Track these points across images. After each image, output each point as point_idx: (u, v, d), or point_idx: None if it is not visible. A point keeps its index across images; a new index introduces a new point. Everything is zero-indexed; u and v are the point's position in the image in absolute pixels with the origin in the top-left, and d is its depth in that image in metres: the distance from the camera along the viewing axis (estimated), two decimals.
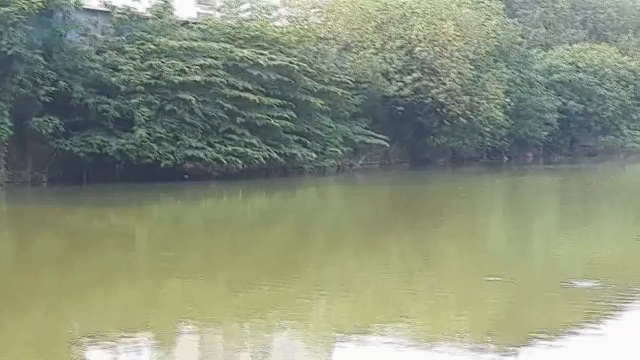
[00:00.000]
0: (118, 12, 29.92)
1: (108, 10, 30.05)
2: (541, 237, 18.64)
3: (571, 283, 11.48)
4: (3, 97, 24.87)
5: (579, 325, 8.78)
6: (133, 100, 26.36)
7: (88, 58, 26.75)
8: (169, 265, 13.46)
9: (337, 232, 19.04)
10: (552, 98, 42.56)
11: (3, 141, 25.35)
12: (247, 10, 36.13)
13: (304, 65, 30.33)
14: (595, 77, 45.64)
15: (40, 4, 24.68)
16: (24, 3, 24.47)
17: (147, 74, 26.77)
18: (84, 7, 29.20)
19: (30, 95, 25.02)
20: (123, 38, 28.68)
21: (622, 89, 46.91)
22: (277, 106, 29.00)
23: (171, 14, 31.43)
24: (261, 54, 29.09)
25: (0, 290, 11.36)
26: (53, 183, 26.36)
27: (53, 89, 25.29)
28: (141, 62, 27.16)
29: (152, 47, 27.83)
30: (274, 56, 29.32)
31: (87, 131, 26.19)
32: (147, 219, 20.41)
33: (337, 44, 34.35)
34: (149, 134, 26.18)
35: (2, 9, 24.16)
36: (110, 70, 26.83)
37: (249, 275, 12.52)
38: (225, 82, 27.71)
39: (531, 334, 8.43)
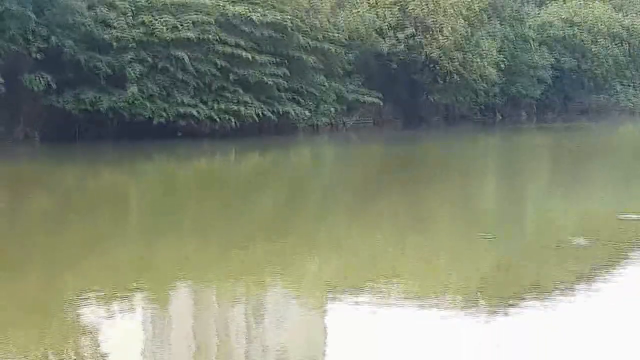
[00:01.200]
0: None
1: None
2: (534, 197, 18.50)
3: (563, 241, 11.46)
4: None
5: (569, 281, 8.86)
6: (125, 57, 26.40)
7: (79, 13, 26.59)
8: (162, 223, 13.42)
9: (331, 191, 18.97)
10: (546, 55, 42.66)
11: None
12: None
13: (297, 21, 30.36)
14: (589, 34, 45.82)
15: None
16: None
17: (139, 31, 26.85)
18: None
19: (22, 52, 25.04)
20: None
21: (615, 46, 47.15)
22: (270, 63, 29.02)
23: None
24: (254, 10, 29.05)
25: None
26: (45, 141, 26.22)
27: (44, 45, 25.37)
28: (133, 18, 27.16)
29: (144, 3, 27.88)
30: (267, 12, 29.29)
31: (79, 88, 26.11)
32: (140, 177, 20.31)
33: (330, 0, 33.66)
34: (141, 91, 26.28)
35: None
36: (102, 26, 26.72)
37: (243, 234, 12.37)
38: (218, 38, 27.72)
39: (522, 290, 8.39)
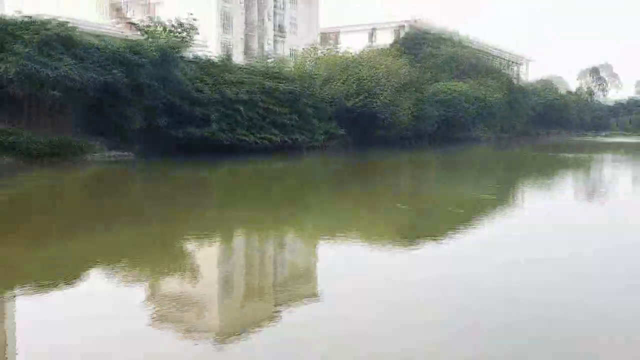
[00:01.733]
0: (201, 61, 33.09)
1: (196, 60, 32.82)
2: (430, 186, 21.16)
3: (446, 209, 14.26)
4: (138, 106, 27.37)
5: (450, 230, 10.81)
6: (210, 108, 29.74)
7: (184, 84, 29.37)
8: (239, 197, 15.94)
9: (322, 176, 22.96)
10: (435, 110, 46.78)
11: (138, 129, 27.64)
12: (271, 60, 40.08)
13: (303, 90, 34.07)
14: (458, 98, 50.21)
15: (158, 56, 27.58)
16: (153, 54, 27.45)
17: (217, 95, 30.28)
18: (183, 57, 31.40)
19: (154, 104, 27.98)
20: (203, 74, 31.21)
21: (473, 105, 51.92)
22: (288, 112, 32.71)
23: (230, 61, 35.57)
24: (279, 83, 32.93)
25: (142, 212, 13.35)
26: (159, 157, 27.25)
27: (166, 101, 28.45)
28: (214, 88, 30.56)
29: (219, 79, 31.20)
30: (286, 85, 33.08)
31: (184, 125, 29.20)
32: (224, 175, 23.25)
33: (321, 79, 37.94)
34: (218, 127, 29.58)
35: (139, 58, 26.82)
36: (198, 91, 29.96)
37: (264, 205, 14.61)
38: (260, 99, 31.40)
39: (423, 236, 10.40)
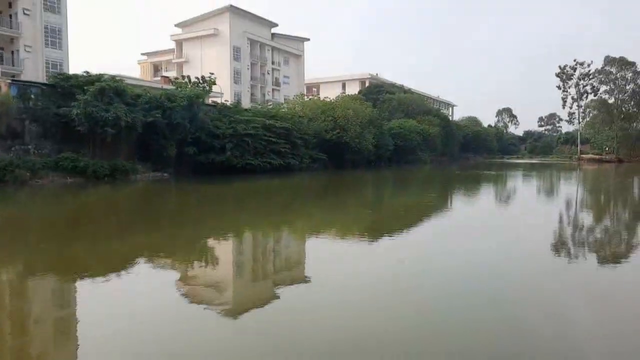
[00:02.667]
0: (218, 105, 34.04)
1: (214, 105, 33.66)
2: (389, 195, 21.23)
3: (400, 212, 14.41)
4: (173, 139, 27.80)
5: (405, 227, 11.13)
6: (225, 140, 30.01)
7: (206, 123, 30.01)
8: (247, 206, 15.96)
9: (306, 194, 21.61)
10: (391, 140, 46.81)
11: (172, 156, 28.11)
12: (270, 105, 40.91)
13: (294, 126, 33.97)
14: (407, 132, 49.98)
15: (186, 102, 28.00)
16: (182, 101, 27.81)
17: (230, 130, 30.37)
18: (205, 103, 32.34)
19: (184, 137, 28.51)
20: (220, 115, 31.63)
21: (418, 135, 51.31)
22: (283, 143, 32.47)
23: (240, 105, 35.64)
24: (276, 122, 32.90)
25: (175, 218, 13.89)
26: (188, 176, 27.89)
27: (193, 135, 29.06)
28: (228, 125, 30.75)
29: (231, 118, 31.41)
30: (282, 123, 33.07)
31: (207, 153, 29.69)
32: (236, 189, 22.32)
33: (306, 118, 37.38)
34: (232, 154, 29.84)
35: (173, 104, 27.38)
36: (216, 127, 30.28)
37: (265, 210, 14.92)
38: (263, 133, 31.30)
39: (385, 233, 10.24)
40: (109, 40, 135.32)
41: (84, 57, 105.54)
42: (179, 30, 64.35)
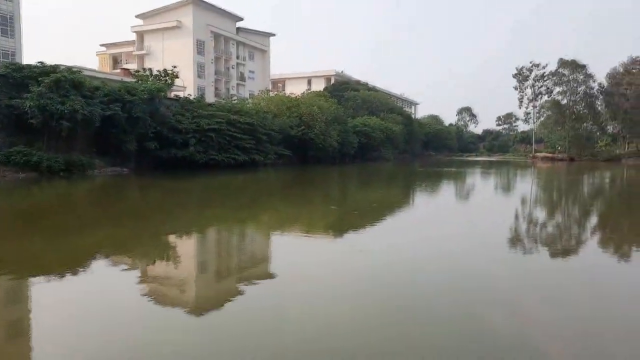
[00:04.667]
0: (181, 99, 33.55)
1: (177, 98, 33.14)
2: (354, 191, 21.38)
3: (367, 207, 14.18)
4: (133, 133, 27.03)
5: (370, 222, 11.13)
6: (188, 135, 29.80)
7: (168, 118, 29.78)
8: (210, 201, 15.97)
9: (271, 189, 21.31)
10: (355, 137, 46.87)
11: (132, 151, 27.56)
12: (235, 100, 39.92)
13: (259, 122, 33.63)
14: (371, 129, 50.53)
15: (147, 95, 27.59)
16: (143, 94, 27.39)
17: (194, 125, 30.27)
18: (167, 97, 31.85)
19: (145, 132, 27.82)
20: (183, 110, 31.32)
21: (381, 132, 51.77)
22: (248, 139, 32.20)
23: (204, 100, 35.44)
24: (241, 117, 32.53)
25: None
26: (149, 171, 27.39)
27: (154, 130, 28.51)
28: (191, 120, 30.59)
29: (195, 114, 31.16)
30: (247, 119, 32.69)
31: (169, 148, 29.32)
32: (200, 185, 22.11)
33: (272, 114, 37.38)
34: (195, 150, 29.69)
35: (133, 97, 26.83)
36: (179, 122, 30.01)
37: (229, 206, 14.46)
38: (227, 128, 31.04)
39: (349, 229, 10.15)
40: (65, 29, 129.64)
41: (39, 47, 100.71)
42: (140, 22, 62.42)
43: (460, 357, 3.81)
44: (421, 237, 9.45)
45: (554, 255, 8.03)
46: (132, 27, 62.11)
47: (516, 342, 4.22)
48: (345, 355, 3.89)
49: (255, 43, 69.21)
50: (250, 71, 68.94)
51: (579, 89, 66.95)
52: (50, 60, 25.74)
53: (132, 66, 55.67)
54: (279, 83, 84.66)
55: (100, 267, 6.85)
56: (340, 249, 8.17)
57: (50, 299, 5.36)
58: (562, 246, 8.88)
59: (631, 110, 65.89)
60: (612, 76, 69.14)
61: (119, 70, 52.63)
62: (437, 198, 18.26)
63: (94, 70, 39.32)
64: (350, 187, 23.73)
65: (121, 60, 66.27)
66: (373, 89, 71.97)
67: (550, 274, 6.68)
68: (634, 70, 68.20)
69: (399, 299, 5.35)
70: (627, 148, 69.89)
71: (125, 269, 6.70)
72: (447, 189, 22.36)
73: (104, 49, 68.57)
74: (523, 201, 17.26)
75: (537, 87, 71.24)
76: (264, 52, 71.64)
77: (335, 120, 42.69)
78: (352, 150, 46.89)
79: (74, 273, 6.47)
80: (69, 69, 25.24)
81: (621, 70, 69.10)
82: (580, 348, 4.15)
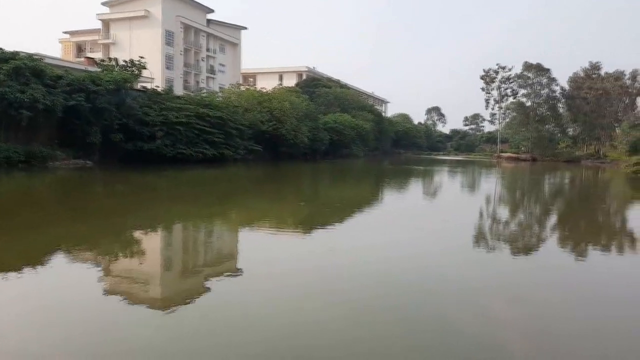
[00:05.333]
0: (148, 91, 32.49)
1: (144, 90, 32.34)
2: (323, 188, 21.44)
3: (334, 204, 14.46)
4: (97, 125, 26.13)
5: (340, 219, 10.88)
6: (155, 128, 28.99)
7: (135, 110, 28.79)
8: (177, 197, 15.59)
9: (241, 185, 21.08)
10: (326, 134, 46.90)
11: (96, 143, 26.55)
12: (205, 92, 39.40)
13: (229, 116, 33.08)
14: (342, 126, 50.64)
15: (113, 86, 26.73)
16: (109, 85, 26.45)
17: (161, 117, 29.43)
18: (134, 88, 31.34)
19: (110, 124, 26.93)
20: (150, 102, 30.40)
21: (353, 130, 51.89)
22: (217, 133, 31.60)
23: (172, 92, 34.40)
24: (211, 110, 31.92)
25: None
26: (114, 164, 26.75)
27: (119, 122, 27.50)
28: (158, 113, 29.70)
29: (163, 106, 30.25)
30: (216, 112, 32.13)
31: (135, 140, 28.47)
32: (166, 179, 21.80)
33: (242, 108, 37.01)
34: (163, 143, 28.94)
35: (98, 87, 25.78)
36: (145, 115, 29.13)
37: (197, 202, 14.09)
38: (196, 122, 30.29)
39: (317, 225, 10.40)
40: (26, 15, 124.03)
41: None
42: (106, 9, 60.40)
43: (426, 357, 3.86)
44: (391, 235, 9.49)
45: (516, 253, 8.22)
46: (97, 14, 60.02)
47: (483, 341, 4.28)
48: (312, 353, 3.88)
49: (226, 36, 68.17)
50: (220, 64, 67.88)
51: (542, 92, 69.65)
52: (9, 47, 24.95)
53: (97, 55, 53.76)
54: (250, 77, 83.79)
55: (60, 264, 6.58)
56: (309, 247, 8.12)
57: (4, 296, 5.14)
58: (525, 245, 9.11)
59: (590, 114, 69.05)
60: (574, 80, 72.19)
61: (83, 59, 50.69)
62: (406, 196, 18.48)
63: (57, 59, 37.88)
64: (321, 183, 23.63)
65: (86, 49, 63.97)
66: (345, 86, 72.12)
67: (515, 273, 6.85)
68: (594, 76, 71.40)
69: (367, 298, 5.32)
70: (586, 150, 73.38)
71: (87, 266, 6.46)
72: (415, 187, 22.70)
73: (67, 36, 66.04)
74: (488, 200, 17.69)
75: (503, 89, 73.47)
76: (235, 46, 70.66)
77: (306, 117, 42.67)
78: (324, 147, 47.03)
79: (32, 270, 6.19)
80: (30, 57, 24.24)
81: (582, 75, 72.28)
82: (543, 346, 4.24)
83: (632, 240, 9.99)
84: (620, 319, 4.95)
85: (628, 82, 69.73)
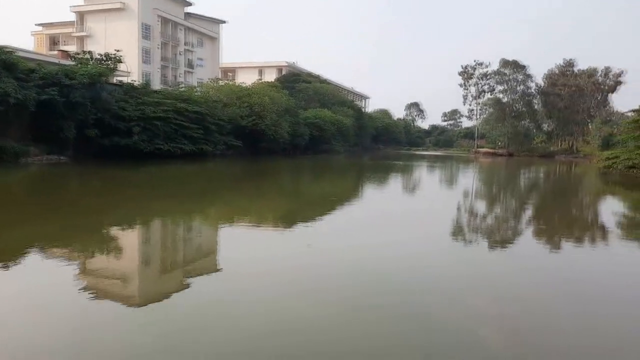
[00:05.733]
0: (125, 85, 31.63)
1: (120, 84, 31.60)
2: (305, 184, 20.86)
3: (320, 200, 14.06)
4: (72, 119, 25.64)
5: (320, 214, 11.15)
6: (132, 124, 28.43)
7: (111, 104, 28.26)
8: (152, 193, 15.53)
9: (220, 181, 20.80)
10: (307, 129, 46.59)
11: (71, 138, 26.02)
12: (183, 87, 38.78)
13: (207, 111, 32.82)
14: (323, 121, 50.12)
15: (87, 80, 26.00)
16: (83, 79, 25.79)
17: (138, 112, 28.93)
18: (110, 82, 30.58)
19: (85, 118, 26.45)
20: (127, 96, 29.89)
21: (333, 126, 51.90)
22: (196, 128, 31.37)
23: (149, 87, 33.48)
24: (189, 105, 31.57)
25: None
26: (89, 160, 26.01)
27: (95, 117, 27.00)
28: (135, 107, 29.20)
29: (140, 100, 29.79)
30: (195, 107, 31.84)
31: (111, 136, 27.96)
32: (144, 175, 21.61)
33: (221, 103, 36.65)
34: (140, 138, 28.46)
35: (72, 81, 25.25)
36: (122, 109, 28.63)
37: (176, 198, 13.83)
38: (174, 117, 29.98)
39: (302, 221, 10.17)
40: None
41: None
42: (80, 1, 58.89)
43: (407, 354, 3.86)
44: (371, 232, 9.46)
45: (493, 246, 8.35)
46: (71, 6, 58.47)
47: (464, 338, 4.32)
48: (290, 352, 3.86)
49: (205, 30, 67.31)
50: (199, 58, 67.04)
51: (518, 88, 71.07)
52: None
53: (72, 48, 52.48)
54: (229, 72, 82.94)
55: (33, 264, 6.38)
56: (287, 244, 8.03)
57: None
58: (502, 238, 9.25)
59: (565, 110, 70.94)
60: (549, 77, 73.92)
61: (56, 52, 49.37)
62: (385, 191, 18.53)
63: (30, 52, 36.73)
64: (301, 179, 23.44)
65: (59, 42, 62.31)
66: (325, 82, 72.05)
67: (493, 268, 6.95)
68: (568, 72, 73.17)
69: (348, 298, 5.25)
70: (560, 145, 75.56)
71: (61, 265, 6.29)
72: (395, 182, 22.77)
73: (40, 28, 64.19)
74: (466, 194, 17.96)
75: (480, 85, 74.81)
76: (214, 40, 69.83)
77: (286, 112, 42.44)
78: (304, 143, 46.84)
79: (4, 270, 5.99)
80: (1, 49, 23.49)
81: (557, 71, 73.97)
82: (521, 342, 4.31)
83: (604, 233, 10.18)
84: (603, 315, 5.01)
85: (600, 79, 71.83)
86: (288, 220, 10.68)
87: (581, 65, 75.53)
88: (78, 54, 33.20)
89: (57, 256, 6.72)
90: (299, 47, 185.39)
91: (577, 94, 69.89)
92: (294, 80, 63.03)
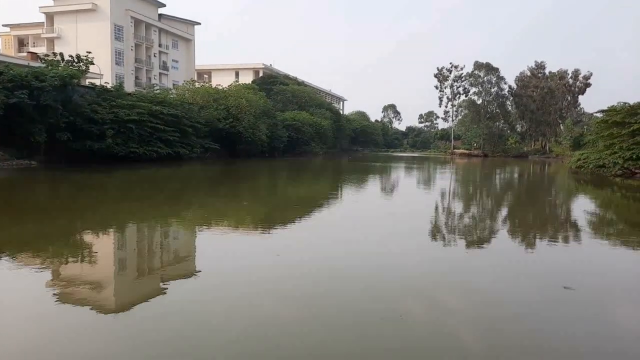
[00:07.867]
0: (97, 87, 31.55)
1: (92, 87, 31.33)
2: (281, 186, 21.28)
3: (295, 203, 14.38)
4: (42, 123, 25.49)
5: (296, 217, 11.21)
6: (105, 127, 28.33)
7: (82, 107, 28.27)
8: (124, 198, 15.16)
9: (196, 185, 20.53)
10: (284, 131, 46.94)
11: (41, 142, 25.78)
12: (157, 89, 38.64)
13: (184, 114, 33.11)
14: (301, 123, 49.75)
15: (58, 82, 25.86)
16: (54, 81, 25.65)
17: (112, 115, 28.86)
18: (81, 84, 30.47)
19: (55, 122, 26.33)
20: (99, 99, 29.85)
21: (310, 127, 51.53)
22: (172, 131, 31.40)
23: (122, 89, 33.07)
24: (164, 107, 31.76)
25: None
26: (61, 165, 25.87)
27: (67, 120, 27.03)
28: (108, 110, 29.14)
29: (114, 103, 29.78)
30: (171, 110, 32.02)
31: (83, 140, 27.86)
32: (118, 179, 21.01)
33: (197, 106, 36.92)
34: (113, 142, 28.34)
35: (42, 84, 25.04)
36: (94, 112, 28.49)
37: (151, 202, 13.67)
38: (148, 119, 30.04)
39: (282, 223, 10.31)
40: None
41: None
42: (49, 2, 57.47)
43: (382, 354, 3.86)
44: (344, 236, 9.35)
45: (469, 245, 8.41)
46: (40, 7, 57.02)
47: (442, 339, 4.36)
48: (273, 354, 3.82)
49: (179, 31, 66.56)
50: (173, 60, 66.26)
51: (492, 90, 72.79)
52: None
53: (41, 50, 51.13)
54: (204, 74, 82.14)
55: (2, 271, 6.15)
56: (262, 247, 7.91)
57: None
58: (479, 237, 9.31)
59: (537, 111, 72.95)
60: (521, 79, 75.88)
61: (25, 54, 48.09)
62: (363, 194, 18.53)
63: None
64: (279, 182, 23.34)
65: (28, 43, 60.66)
66: (302, 84, 72.27)
67: (470, 265, 7.03)
68: (539, 75, 75.30)
69: (324, 304, 5.16)
70: (533, 145, 77.72)
71: (36, 269, 6.11)
72: (374, 184, 22.87)
73: (7, 29, 62.39)
74: (443, 195, 18.19)
75: (455, 87, 76.43)
76: (189, 41, 69.10)
77: (264, 114, 42.45)
78: (282, 145, 46.76)
79: None
80: None
81: (528, 74, 76.04)
82: (495, 339, 4.37)
83: (577, 230, 10.37)
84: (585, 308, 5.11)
85: (571, 80, 74.20)
86: (263, 223, 10.59)
87: (551, 67, 78.19)
88: (47, 55, 32.48)
89: (23, 264, 6.47)
90: (274, 50, 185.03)
91: (548, 95, 72.00)
92: (271, 83, 62.95)
